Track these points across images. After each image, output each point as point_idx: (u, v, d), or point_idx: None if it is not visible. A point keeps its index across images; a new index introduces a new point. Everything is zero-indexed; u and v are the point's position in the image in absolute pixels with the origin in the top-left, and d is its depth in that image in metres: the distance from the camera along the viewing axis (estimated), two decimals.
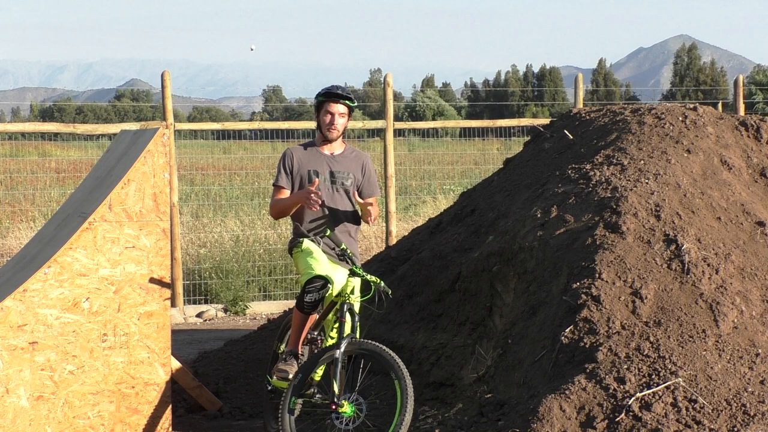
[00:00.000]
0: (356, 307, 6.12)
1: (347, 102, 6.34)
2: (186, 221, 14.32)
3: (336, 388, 5.77)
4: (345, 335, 5.92)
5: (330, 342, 6.10)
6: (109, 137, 13.94)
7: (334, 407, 5.77)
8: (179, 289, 12.02)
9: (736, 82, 15.48)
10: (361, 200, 6.30)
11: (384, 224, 13.27)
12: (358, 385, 5.90)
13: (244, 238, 13.64)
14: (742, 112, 14.83)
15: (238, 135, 18.59)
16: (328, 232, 6.15)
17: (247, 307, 12.57)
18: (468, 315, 7.14)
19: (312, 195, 6.07)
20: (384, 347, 5.89)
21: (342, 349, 5.84)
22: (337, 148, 6.43)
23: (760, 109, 32.37)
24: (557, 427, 5.40)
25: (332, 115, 6.33)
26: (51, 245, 6.58)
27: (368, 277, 6.08)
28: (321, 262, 6.11)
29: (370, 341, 5.99)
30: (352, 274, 6.07)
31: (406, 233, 9.74)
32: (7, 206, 14.42)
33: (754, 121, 7.91)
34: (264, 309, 12.50)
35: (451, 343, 7.09)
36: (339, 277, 6.21)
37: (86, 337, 6.34)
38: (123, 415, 6.45)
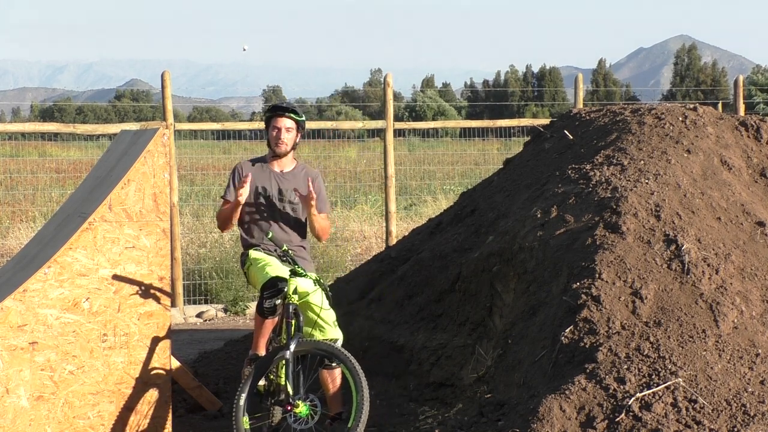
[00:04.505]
0: (313, 307, 6.15)
1: (293, 116, 6.39)
2: (186, 221, 14.32)
3: (290, 389, 5.82)
4: (292, 335, 5.95)
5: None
6: (109, 137, 13.94)
7: (289, 408, 5.80)
8: (179, 289, 12.02)
9: (736, 83, 15.48)
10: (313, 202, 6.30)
11: (384, 224, 13.27)
12: (306, 383, 5.96)
13: None
14: (742, 112, 14.83)
15: (238, 135, 18.59)
16: (270, 234, 6.18)
17: (247, 307, 12.57)
18: (468, 315, 7.14)
19: (239, 189, 6.17)
20: (327, 342, 5.99)
21: (291, 350, 5.87)
22: (287, 165, 6.49)
23: (760, 110, 32.35)
24: (557, 427, 5.40)
25: (279, 129, 6.40)
26: (51, 245, 6.58)
27: (310, 275, 6.13)
28: (273, 265, 6.18)
29: (313, 339, 6.06)
30: (294, 273, 6.09)
31: (406, 233, 9.74)
32: (7, 206, 14.42)
33: (754, 122, 7.91)
34: None
35: (451, 343, 7.09)
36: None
37: (86, 337, 6.33)
38: (123, 415, 6.45)
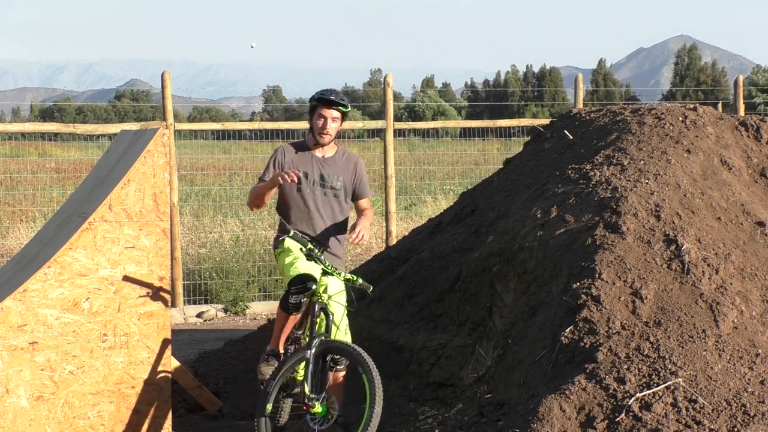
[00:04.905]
0: (335, 307, 6.11)
1: (341, 108, 6.34)
2: (186, 221, 14.32)
3: (307, 389, 5.77)
4: (316, 335, 5.92)
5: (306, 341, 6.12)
6: (109, 137, 13.94)
7: (305, 408, 5.77)
8: (179, 289, 12.02)
9: (736, 83, 15.49)
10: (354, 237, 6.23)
11: (384, 224, 13.27)
12: (326, 384, 5.92)
13: (244, 238, 13.65)
14: (742, 112, 14.84)
15: (238, 135, 18.58)
16: (292, 233, 6.11)
17: (247, 307, 12.57)
18: (468, 315, 7.14)
19: (288, 172, 6.05)
20: (352, 345, 5.91)
21: (313, 350, 5.84)
22: (328, 150, 6.44)
23: (761, 111, 32.35)
24: (557, 427, 5.40)
25: (325, 119, 6.33)
26: (51, 245, 6.58)
27: (343, 275, 6.06)
28: (304, 260, 6.08)
29: (339, 340, 6.00)
30: (324, 273, 6.06)
31: (406, 233, 9.74)
32: (7, 206, 14.42)
33: (754, 122, 7.91)
34: (264, 309, 12.50)
35: (451, 343, 7.09)
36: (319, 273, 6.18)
37: (86, 337, 6.33)
38: (123, 415, 6.45)
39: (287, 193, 6.33)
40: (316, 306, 5.99)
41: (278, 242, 6.30)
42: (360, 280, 6.04)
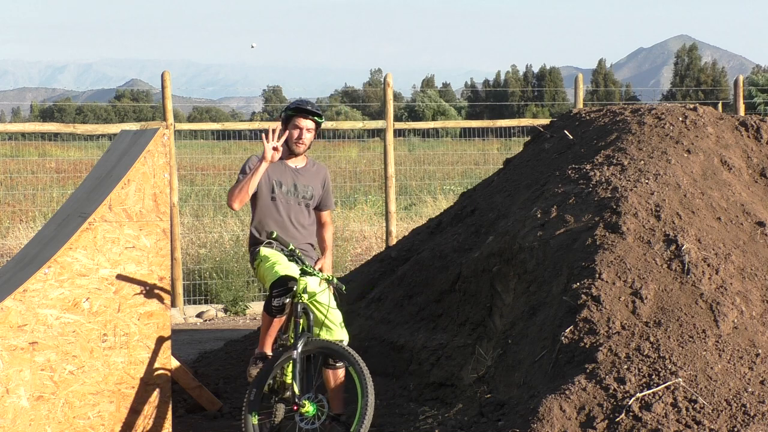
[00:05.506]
0: (318, 306, 6.17)
1: (316, 118, 6.39)
2: (186, 221, 14.32)
3: (296, 389, 5.83)
4: (300, 335, 5.97)
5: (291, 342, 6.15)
6: (109, 137, 13.94)
7: (296, 408, 5.81)
8: (179, 289, 12.02)
9: (736, 83, 15.49)
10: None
11: (384, 224, 13.28)
12: (315, 383, 5.97)
13: (245, 238, 13.65)
14: (742, 112, 14.84)
15: (238, 135, 18.61)
16: (274, 234, 6.18)
17: (247, 307, 12.57)
18: (468, 315, 7.14)
19: (273, 146, 6.15)
20: (336, 342, 6.00)
21: (299, 350, 5.89)
22: (300, 161, 6.51)
23: (761, 111, 32.35)
24: (557, 427, 5.40)
25: (300, 129, 6.38)
26: (51, 245, 6.58)
27: (321, 275, 6.13)
28: (283, 263, 6.14)
29: (322, 339, 6.06)
30: (303, 273, 6.10)
31: (406, 233, 9.74)
32: (7, 206, 14.42)
33: (754, 122, 7.92)
34: None
35: (451, 344, 7.09)
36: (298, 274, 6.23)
37: (86, 337, 6.34)
38: (123, 415, 6.45)
39: (262, 203, 6.37)
40: (298, 306, 6.06)
41: (254, 254, 6.35)
42: (335, 280, 6.14)
